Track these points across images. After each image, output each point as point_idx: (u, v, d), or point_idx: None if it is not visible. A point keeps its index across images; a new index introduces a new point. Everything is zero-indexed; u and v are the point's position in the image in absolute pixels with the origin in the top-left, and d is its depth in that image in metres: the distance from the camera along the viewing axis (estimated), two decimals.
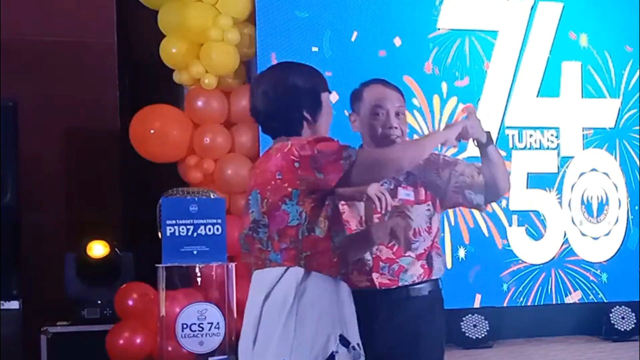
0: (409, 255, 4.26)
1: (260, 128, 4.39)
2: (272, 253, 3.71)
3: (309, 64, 8.10)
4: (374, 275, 4.28)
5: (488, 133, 4.20)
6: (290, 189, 3.70)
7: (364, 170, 3.73)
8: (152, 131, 7.98)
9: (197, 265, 7.15)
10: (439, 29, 8.49)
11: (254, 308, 3.85)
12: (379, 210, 4.18)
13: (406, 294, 4.28)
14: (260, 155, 7.77)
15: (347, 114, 7.75)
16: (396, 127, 4.32)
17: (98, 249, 8.06)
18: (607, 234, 8.80)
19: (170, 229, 6.78)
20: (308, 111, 3.84)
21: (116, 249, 8.19)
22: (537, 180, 8.42)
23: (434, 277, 4.33)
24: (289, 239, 3.68)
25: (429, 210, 4.36)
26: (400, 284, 4.26)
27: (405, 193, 4.35)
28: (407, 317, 4.28)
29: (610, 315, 8.50)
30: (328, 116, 3.96)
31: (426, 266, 4.30)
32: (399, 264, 4.26)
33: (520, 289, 8.24)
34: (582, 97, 8.77)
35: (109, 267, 8.08)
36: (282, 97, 3.82)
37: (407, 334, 4.25)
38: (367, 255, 4.26)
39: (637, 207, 8.91)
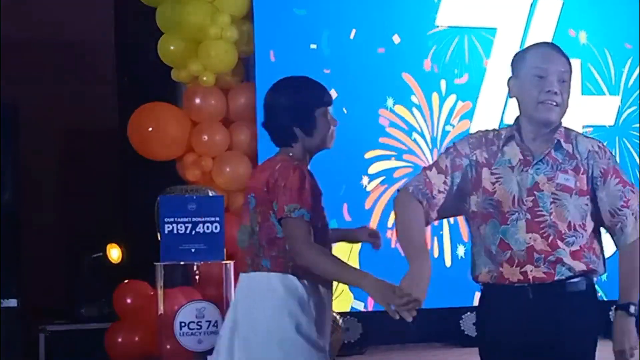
0: (563, 249, 3.97)
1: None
2: (264, 259, 3.83)
3: (307, 61, 7.87)
4: (528, 268, 3.99)
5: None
6: (273, 203, 3.90)
7: (285, 232, 3.87)
8: (150, 129, 7.96)
9: (195, 263, 7.21)
10: (437, 27, 8.50)
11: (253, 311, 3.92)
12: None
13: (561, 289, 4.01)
14: (259, 155, 7.85)
15: (345, 111, 7.80)
16: (556, 93, 3.93)
17: (114, 252, 8.24)
18: (606, 232, 8.65)
19: (168, 227, 6.84)
20: (301, 127, 4.00)
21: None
22: None
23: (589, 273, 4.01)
24: (277, 248, 3.82)
25: (587, 205, 3.96)
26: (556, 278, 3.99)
27: (564, 178, 3.93)
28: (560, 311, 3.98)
29: (610, 313, 8.30)
30: (324, 128, 4.05)
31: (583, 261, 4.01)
32: (555, 256, 3.96)
33: None
34: (582, 94, 8.71)
35: (124, 270, 8.17)
36: (278, 113, 4.03)
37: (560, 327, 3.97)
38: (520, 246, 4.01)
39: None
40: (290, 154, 4.03)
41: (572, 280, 3.80)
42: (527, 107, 3.89)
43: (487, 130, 4.09)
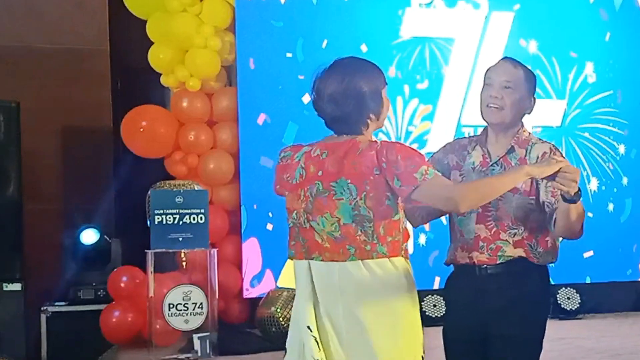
0: (506, 240, 4.02)
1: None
2: (379, 245, 3.55)
3: (283, 68, 7.98)
4: (474, 254, 4.07)
5: (579, 189, 3.86)
6: (394, 181, 3.60)
7: (426, 196, 3.63)
8: (141, 129, 7.98)
9: (183, 250, 7.27)
10: (401, 37, 8.54)
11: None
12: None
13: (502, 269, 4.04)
14: (240, 153, 7.97)
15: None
16: (497, 97, 4.03)
17: (89, 235, 8.07)
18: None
19: (158, 218, 6.92)
20: (373, 112, 3.72)
21: (105, 236, 8.19)
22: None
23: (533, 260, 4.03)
24: (393, 232, 3.58)
25: (531, 204, 4.03)
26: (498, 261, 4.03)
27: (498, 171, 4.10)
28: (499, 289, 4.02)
29: (557, 295, 8.57)
30: (387, 109, 3.84)
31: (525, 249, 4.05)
32: (495, 244, 4.02)
33: None
34: None
35: (99, 252, 8.05)
36: (350, 103, 3.67)
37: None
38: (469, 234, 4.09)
39: None
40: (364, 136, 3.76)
41: (512, 264, 3.92)
42: (480, 110, 4.07)
43: (464, 137, 4.32)
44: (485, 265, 4.00)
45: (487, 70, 4.12)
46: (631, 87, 9.20)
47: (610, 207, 9.11)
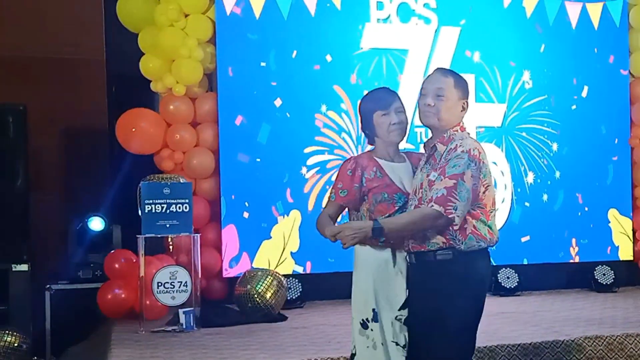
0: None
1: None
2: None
3: (258, 76, 8.02)
4: (410, 242, 4.26)
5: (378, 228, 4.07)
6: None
7: None
8: (133, 129, 7.96)
9: (169, 235, 7.42)
10: (361, 48, 8.57)
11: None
12: None
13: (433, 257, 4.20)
14: (220, 150, 8.10)
15: (288, 115, 7.73)
16: (429, 105, 4.19)
17: (96, 223, 8.24)
18: (496, 210, 8.57)
19: (148, 207, 7.02)
20: (364, 131, 4.48)
21: (112, 225, 8.28)
22: None
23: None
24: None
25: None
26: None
27: (433, 175, 4.19)
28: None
29: (498, 275, 8.69)
30: (382, 129, 4.37)
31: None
32: (423, 233, 4.18)
33: None
34: (476, 102, 8.70)
35: (104, 237, 8.22)
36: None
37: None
38: None
39: (519, 190, 9.09)
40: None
41: (440, 251, 4.12)
42: (419, 116, 4.27)
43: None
44: (416, 251, 4.21)
45: (423, 81, 4.26)
46: (563, 92, 9.25)
47: (545, 197, 9.14)
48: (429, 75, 4.28)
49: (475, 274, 4.15)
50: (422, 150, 4.47)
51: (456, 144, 4.09)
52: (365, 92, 4.73)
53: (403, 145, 4.63)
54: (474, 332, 4.24)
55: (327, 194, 4.47)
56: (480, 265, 4.19)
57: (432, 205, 4.01)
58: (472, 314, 4.18)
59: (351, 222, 4.22)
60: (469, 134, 4.28)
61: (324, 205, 4.43)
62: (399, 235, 4.16)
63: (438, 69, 4.32)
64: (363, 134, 4.56)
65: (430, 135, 4.33)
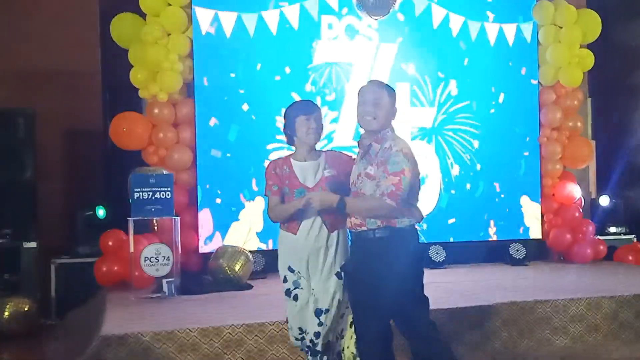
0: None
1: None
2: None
3: (228, 85, 8.59)
4: (353, 220, 4.45)
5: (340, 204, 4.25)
6: None
7: None
8: (124, 130, 8.25)
9: (154, 218, 7.65)
10: (314, 62, 8.97)
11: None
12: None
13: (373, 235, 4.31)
14: (197, 147, 8.50)
15: (253, 117, 7.99)
16: (369, 112, 4.32)
17: (101, 211, 8.62)
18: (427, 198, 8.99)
19: (137, 194, 7.29)
20: (285, 132, 4.75)
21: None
22: None
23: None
24: None
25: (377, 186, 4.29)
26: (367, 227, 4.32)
27: (370, 169, 4.34)
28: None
29: (429, 251, 9.11)
30: (303, 132, 4.58)
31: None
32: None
33: None
34: (410, 106, 9.20)
35: (105, 221, 8.52)
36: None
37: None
38: None
39: (446, 180, 9.47)
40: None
41: (377, 229, 4.33)
42: (358, 121, 4.48)
43: None
44: (358, 230, 4.43)
45: (360, 90, 4.42)
46: (483, 99, 9.65)
47: (468, 186, 9.55)
48: (364, 87, 4.47)
49: (408, 247, 4.38)
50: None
51: (390, 144, 4.31)
52: (295, 100, 5.12)
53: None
54: (411, 296, 4.42)
55: (265, 193, 4.84)
56: (412, 240, 4.43)
57: (386, 199, 4.24)
58: (411, 279, 4.38)
59: (322, 193, 4.52)
60: (397, 135, 4.49)
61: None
62: (355, 212, 4.41)
63: (373, 81, 4.55)
64: (285, 136, 4.83)
65: (362, 135, 4.52)
